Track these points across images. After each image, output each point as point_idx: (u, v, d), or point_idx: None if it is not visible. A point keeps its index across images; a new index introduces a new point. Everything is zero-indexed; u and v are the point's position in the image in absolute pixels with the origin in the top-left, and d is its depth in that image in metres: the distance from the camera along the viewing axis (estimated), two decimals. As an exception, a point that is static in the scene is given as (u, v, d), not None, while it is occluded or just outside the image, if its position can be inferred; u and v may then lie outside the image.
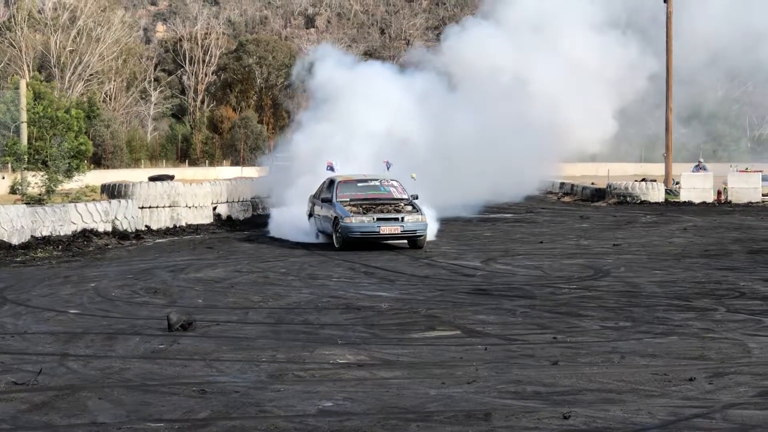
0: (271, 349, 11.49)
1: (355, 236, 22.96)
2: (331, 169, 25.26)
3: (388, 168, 25.72)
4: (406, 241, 23.61)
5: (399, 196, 24.23)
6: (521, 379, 9.93)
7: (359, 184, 24.51)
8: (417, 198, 24.27)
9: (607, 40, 48.18)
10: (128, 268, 19.34)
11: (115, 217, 25.70)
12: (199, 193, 29.64)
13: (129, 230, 25.84)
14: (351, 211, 23.20)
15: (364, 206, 23.55)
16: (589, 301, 15.22)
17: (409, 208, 23.64)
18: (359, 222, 22.96)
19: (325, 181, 25.02)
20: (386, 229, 22.98)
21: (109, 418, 8.51)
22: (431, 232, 24.79)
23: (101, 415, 8.60)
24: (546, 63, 43.29)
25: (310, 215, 25.42)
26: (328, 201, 23.95)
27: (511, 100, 39.62)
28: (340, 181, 24.42)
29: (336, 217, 23.30)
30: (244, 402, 9.03)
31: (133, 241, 24.77)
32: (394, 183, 24.73)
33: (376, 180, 24.90)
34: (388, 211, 23.47)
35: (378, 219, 23.07)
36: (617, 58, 48.68)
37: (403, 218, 23.15)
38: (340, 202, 23.60)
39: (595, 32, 47.86)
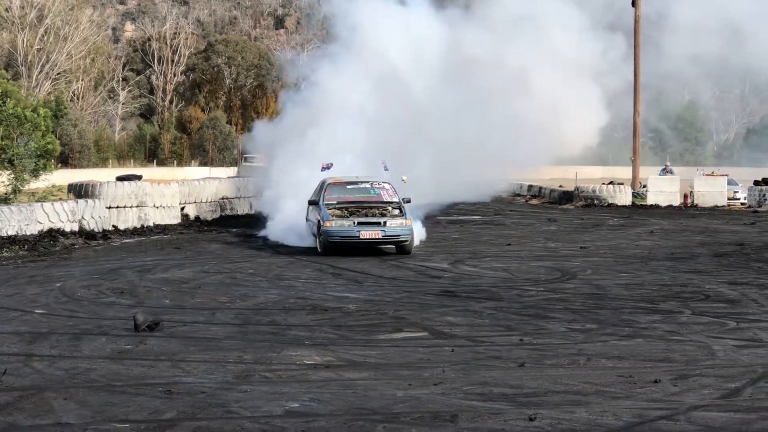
0: (237, 349, 11.47)
1: (334, 240, 22.11)
2: (326, 169, 24.48)
3: (385, 168, 24.82)
4: (394, 247, 22.71)
5: (389, 199, 23.34)
6: (488, 380, 9.96)
7: (348, 186, 23.67)
8: (409, 201, 23.53)
9: (589, 42, 48.10)
10: (95, 268, 19.25)
11: (82, 217, 25.57)
12: (167, 193, 29.53)
13: (96, 230, 25.71)
14: (333, 215, 22.38)
15: (350, 209, 22.75)
16: (556, 303, 15.28)
17: (397, 212, 22.79)
18: (338, 226, 22.11)
19: (319, 183, 24.25)
20: (366, 233, 22.11)
21: (74, 419, 8.46)
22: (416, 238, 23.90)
23: (66, 416, 8.55)
24: (529, 59, 43.12)
25: (307, 219, 24.37)
26: (315, 203, 23.23)
27: (493, 94, 39.50)
28: (329, 183, 23.70)
29: (319, 221, 22.60)
30: (211, 403, 9.01)
31: (100, 241, 24.63)
32: (386, 185, 23.83)
33: (367, 182, 23.98)
34: (373, 215, 22.63)
35: (358, 223, 22.23)
36: (599, 60, 48.62)
37: (384, 222, 22.27)
38: (326, 204, 22.78)
39: (577, 33, 47.73)
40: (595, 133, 51.06)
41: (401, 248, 22.54)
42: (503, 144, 39.31)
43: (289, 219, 25.39)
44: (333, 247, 22.18)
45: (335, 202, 22.96)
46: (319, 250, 22.49)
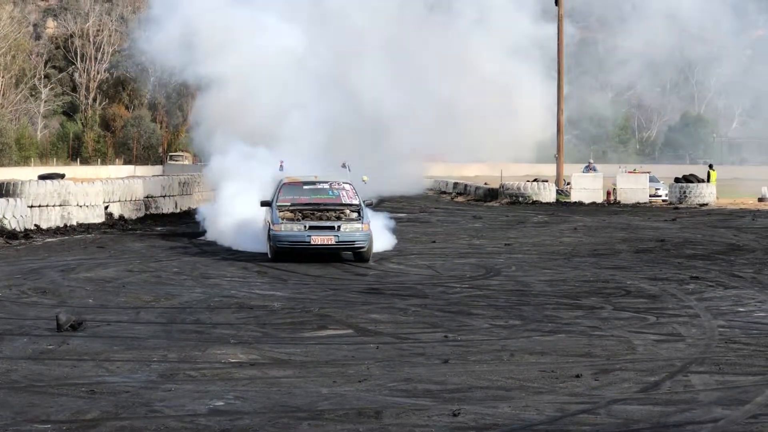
0: (162, 348, 11.41)
1: (283, 246, 20.21)
2: (282, 168, 22.87)
3: (348, 170, 22.96)
4: (352, 254, 20.87)
5: (348, 202, 21.38)
6: (412, 377, 10.03)
7: (305, 187, 21.69)
8: (372, 204, 22.29)
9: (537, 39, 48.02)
10: (16, 268, 18.99)
11: (3, 216, 25.19)
12: (90, 191, 29.20)
13: (18, 229, 25.35)
14: (284, 218, 20.53)
15: (304, 212, 20.89)
16: (480, 300, 15.41)
17: (355, 215, 20.89)
18: (288, 230, 20.17)
19: (277, 183, 22.19)
20: (318, 239, 20.15)
21: (-5, 420, 8.37)
22: (387, 245, 22.87)
23: (-13, 417, 8.46)
24: (480, 54, 42.94)
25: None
26: (268, 205, 21.27)
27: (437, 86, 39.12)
28: (284, 183, 21.75)
29: (269, 224, 20.76)
30: (134, 402, 8.96)
31: (22, 241, 24.29)
32: (346, 186, 21.81)
33: (326, 182, 21.96)
34: (328, 218, 20.72)
35: (310, 227, 20.26)
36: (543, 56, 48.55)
37: (339, 227, 20.29)
38: (279, 206, 20.87)
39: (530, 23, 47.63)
40: (547, 131, 51.17)
41: (358, 255, 20.70)
42: (441, 141, 39.25)
43: (242, 220, 23.40)
44: (283, 253, 20.39)
45: (289, 204, 21.15)
46: (270, 256, 20.69)
